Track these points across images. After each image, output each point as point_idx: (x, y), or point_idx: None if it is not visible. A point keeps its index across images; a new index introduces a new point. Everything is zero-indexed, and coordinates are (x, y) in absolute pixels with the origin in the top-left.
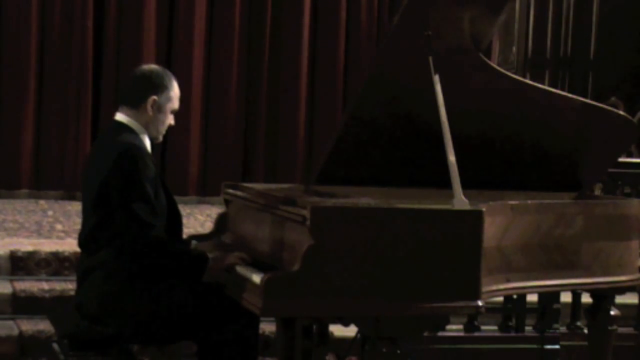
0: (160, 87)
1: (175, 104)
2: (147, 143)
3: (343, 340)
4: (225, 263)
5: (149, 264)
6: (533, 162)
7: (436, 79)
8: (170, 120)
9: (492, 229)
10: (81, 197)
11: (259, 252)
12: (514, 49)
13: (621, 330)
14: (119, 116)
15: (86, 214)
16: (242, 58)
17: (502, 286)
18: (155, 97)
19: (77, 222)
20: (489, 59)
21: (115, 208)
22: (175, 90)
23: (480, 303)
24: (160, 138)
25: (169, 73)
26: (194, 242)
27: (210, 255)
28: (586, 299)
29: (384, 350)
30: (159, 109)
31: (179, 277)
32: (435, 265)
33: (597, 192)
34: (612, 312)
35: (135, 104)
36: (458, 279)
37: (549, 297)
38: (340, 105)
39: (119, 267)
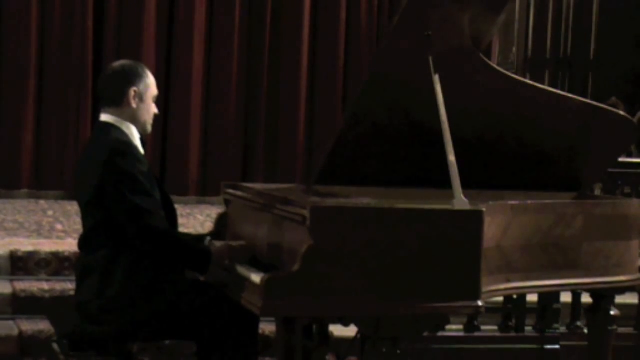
0: (136, 78)
1: (154, 90)
2: (137, 138)
3: (343, 340)
4: (224, 260)
5: (153, 253)
6: (533, 162)
7: (436, 79)
8: (155, 109)
9: (492, 229)
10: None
11: (258, 252)
12: (514, 49)
13: (621, 330)
14: (104, 117)
15: (84, 216)
16: (242, 58)
17: (502, 286)
18: (134, 88)
19: (77, 222)
20: (489, 59)
21: (113, 205)
22: (150, 77)
23: (480, 303)
24: (150, 128)
25: (139, 63)
26: (208, 238)
27: (212, 249)
28: (586, 299)
29: (384, 350)
30: (140, 98)
31: (183, 268)
32: (435, 266)
33: (597, 192)
34: (612, 312)
35: (116, 101)
36: (458, 279)
37: (549, 297)
38: (340, 105)
39: (119, 266)
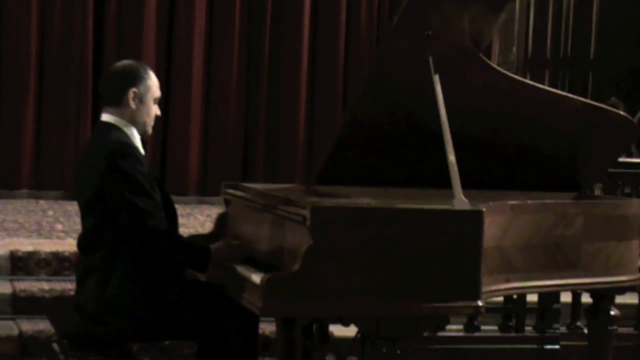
0: (137, 79)
1: (155, 92)
2: (137, 139)
3: (343, 340)
4: (223, 257)
5: (152, 255)
6: (533, 162)
7: (436, 79)
8: (156, 110)
9: (492, 229)
10: None
11: (259, 252)
12: (514, 49)
13: (621, 330)
14: (104, 116)
15: (83, 216)
16: (242, 58)
17: (502, 286)
18: (134, 89)
19: (77, 222)
20: (489, 59)
21: (114, 206)
22: (152, 79)
23: (480, 303)
24: (150, 130)
25: (143, 64)
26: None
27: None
28: (586, 299)
29: (384, 350)
30: (140, 100)
31: (183, 268)
32: (435, 266)
33: (597, 192)
34: (612, 312)
35: (116, 101)
36: (458, 279)
37: (549, 297)
38: (340, 105)
39: (118, 266)
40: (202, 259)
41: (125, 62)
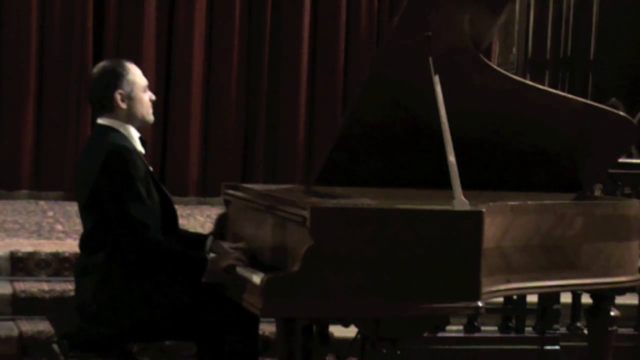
0: (117, 79)
1: (140, 82)
2: (136, 138)
3: (343, 341)
4: (223, 265)
5: (146, 266)
6: (533, 163)
7: (436, 79)
8: (150, 96)
9: (492, 229)
10: None
11: (259, 253)
12: (514, 49)
13: (621, 330)
14: (100, 120)
15: (82, 217)
16: (242, 58)
17: (502, 287)
18: (119, 90)
19: (77, 223)
20: (489, 59)
21: (108, 211)
22: (132, 71)
23: (480, 304)
24: (150, 118)
25: (118, 60)
26: (210, 237)
27: (208, 257)
28: (586, 299)
29: (384, 350)
30: (128, 97)
31: (177, 278)
32: (435, 266)
33: (597, 192)
34: (612, 313)
35: (106, 107)
36: (458, 280)
37: (549, 297)
38: (340, 106)
39: (117, 267)
40: (195, 270)
41: (100, 65)
